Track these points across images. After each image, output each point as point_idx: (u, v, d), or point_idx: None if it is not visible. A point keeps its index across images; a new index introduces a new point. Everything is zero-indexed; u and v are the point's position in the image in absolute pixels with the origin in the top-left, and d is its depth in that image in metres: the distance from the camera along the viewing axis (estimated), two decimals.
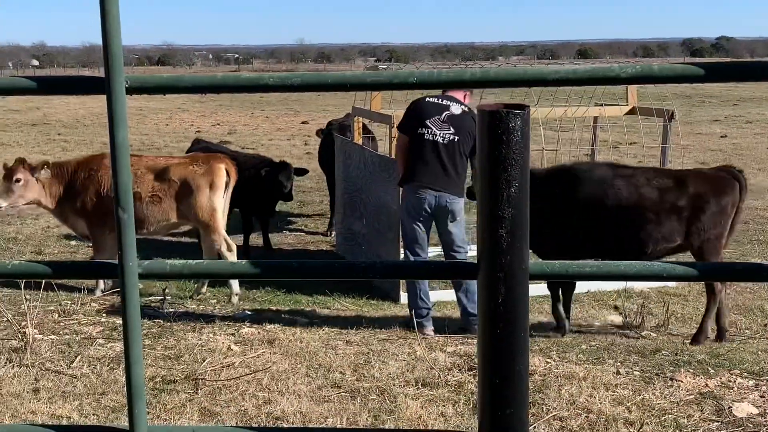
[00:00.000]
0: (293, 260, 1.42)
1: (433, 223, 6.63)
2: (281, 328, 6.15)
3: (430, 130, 6.49)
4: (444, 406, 4.62)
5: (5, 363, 5.27)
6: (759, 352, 5.87)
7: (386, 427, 4.37)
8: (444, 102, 6.59)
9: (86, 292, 7.29)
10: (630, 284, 7.69)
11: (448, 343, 5.78)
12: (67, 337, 5.94)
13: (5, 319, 5.94)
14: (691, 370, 5.16)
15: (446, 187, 6.46)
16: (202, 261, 1.52)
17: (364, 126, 9.85)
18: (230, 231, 8.60)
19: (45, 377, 5.10)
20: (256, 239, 9.83)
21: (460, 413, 4.52)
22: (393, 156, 8.26)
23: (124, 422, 4.46)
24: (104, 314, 6.72)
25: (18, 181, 7.41)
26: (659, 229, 6.01)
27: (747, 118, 26.39)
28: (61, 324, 6.30)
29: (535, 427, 4.35)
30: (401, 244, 7.81)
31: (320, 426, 4.35)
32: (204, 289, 7.73)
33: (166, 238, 9.87)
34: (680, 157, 13.26)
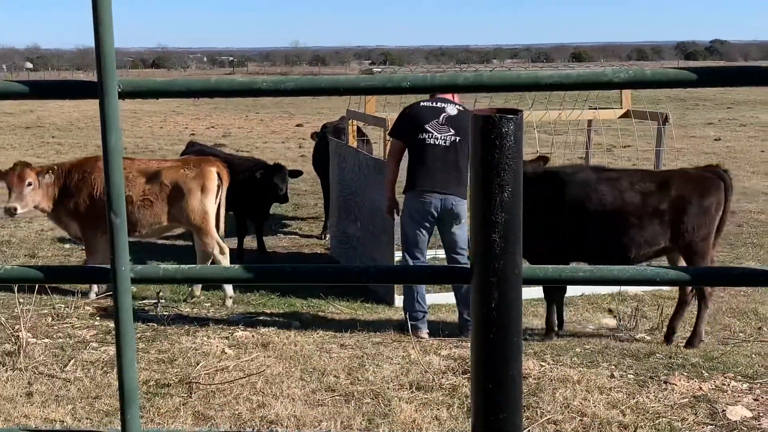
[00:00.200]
0: (286, 265, 1.42)
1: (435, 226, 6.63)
2: (275, 331, 6.14)
3: (431, 135, 6.49)
4: (438, 409, 4.61)
5: None
6: (753, 355, 5.88)
7: (380, 430, 4.37)
8: (438, 104, 6.60)
9: (80, 296, 7.28)
10: (624, 287, 7.71)
11: (442, 347, 5.77)
12: (60, 340, 5.92)
13: None
14: (685, 374, 5.16)
15: (451, 189, 6.46)
16: (194, 266, 1.52)
17: (359, 129, 9.85)
18: (225, 234, 8.59)
19: (38, 381, 5.08)
20: (250, 242, 9.82)
21: (454, 417, 4.52)
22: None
23: (117, 426, 4.45)
24: (98, 318, 6.71)
25: (30, 185, 7.41)
26: (642, 232, 6.01)
27: (741, 121, 26.45)
28: (55, 327, 6.28)
29: (529, 430, 4.35)
30: (396, 247, 7.83)
31: (314, 430, 4.35)
32: (198, 293, 7.72)
33: (160, 241, 9.85)
34: (674, 160, 13.30)
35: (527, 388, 4.88)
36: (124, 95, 1.39)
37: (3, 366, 5.28)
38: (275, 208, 11.05)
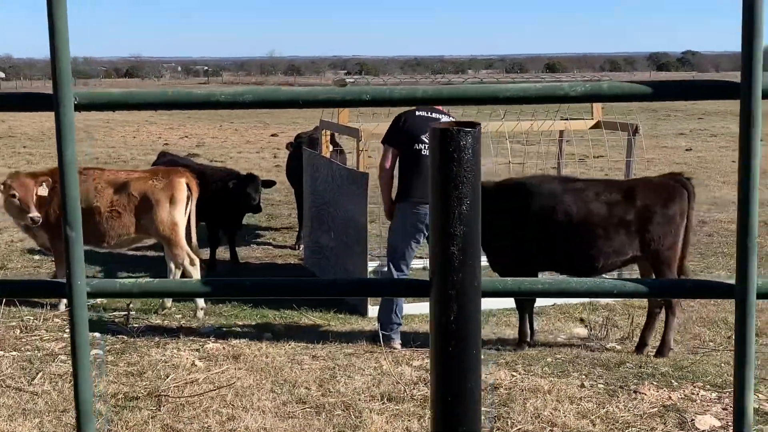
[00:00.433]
0: (246, 278, 1.41)
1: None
2: (247, 343, 6.11)
3: (426, 146, 6.51)
4: (409, 420, 4.61)
5: None
6: (722, 365, 5.93)
7: None
8: (434, 115, 6.63)
9: (49, 308, 7.20)
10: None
11: (414, 357, 5.77)
12: (28, 353, 5.85)
13: None
14: (655, 383, 5.19)
15: None
16: (152, 280, 1.50)
17: (333, 139, 9.85)
18: (197, 244, 8.54)
19: (5, 394, 5.02)
20: (223, 253, 9.77)
21: (425, 428, 4.51)
22: (363, 169, 8.27)
23: None
24: (67, 330, 6.63)
25: (37, 193, 7.37)
26: (609, 242, 6.04)
27: (712, 131, 26.76)
28: (23, 340, 6.21)
29: None
30: (369, 257, 7.82)
31: None
32: (169, 304, 7.67)
33: (131, 252, 9.78)
34: (645, 170, 13.39)
35: (498, 398, 4.89)
36: (80, 107, 1.37)
37: None
38: (249, 219, 11.01)
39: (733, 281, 1.36)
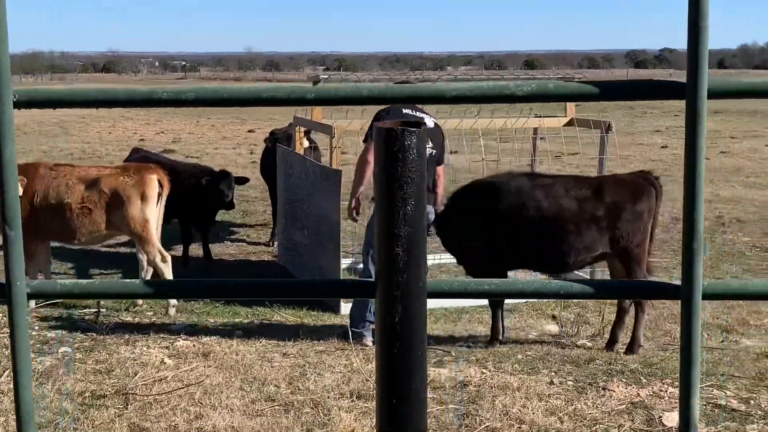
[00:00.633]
0: (189, 279, 1.39)
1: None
2: (217, 340, 6.07)
3: None
4: None
5: None
6: None
7: None
8: (418, 114, 6.59)
9: None
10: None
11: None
12: None
13: None
14: (624, 380, 5.22)
15: (427, 200, 6.46)
16: (93, 281, 1.48)
17: (309, 136, 9.81)
18: (171, 241, 8.50)
19: None
20: (197, 250, 9.72)
21: None
22: (336, 166, 8.25)
23: None
24: (36, 327, 6.57)
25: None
26: (579, 238, 6.06)
27: None
28: None
29: None
30: (342, 254, 7.79)
31: None
32: (141, 301, 7.62)
33: (104, 249, 9.70)
34: (621, 167, 13.46)
35: (468, 396, 4.89)
36: (19, 105, 1.34)
37: None
38: (223, 215, 10.96)
39: (679, 282, 1.36)
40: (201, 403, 4.76)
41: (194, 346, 5.86)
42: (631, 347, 6.17)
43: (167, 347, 5.83)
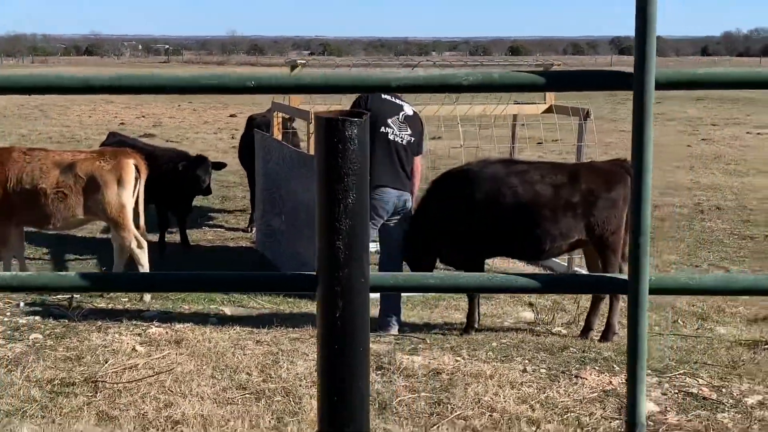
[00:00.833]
0: (129, 272, 1.35)
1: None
2: (191, 327, 6.02)
3: (392, 131, 6.42)
4: None
5: None
6: (666, 349, 5.97)
7: (288, 429, 4.31)
8: (398, 101, 6.56)
9: None
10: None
11: None
12: None
13: None
14: (597, 368, 5.21)
15: (404, 187, 6.44)
16: (32, 273, 1.44)
17: (285, 121, 9.74)
18: (147, 227, 8.41)
19: None
20: (174, 235, 9.65)
21: None
22: (313, 152, 8.19)
23: (17, 427, 4.31)
24: (8, 313, 6.50)
25: None
26: (555, 224, 6.04)
27: (669, 115, 27.00)
28: None
29: (438, 426, 4.34)
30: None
31: (221, 430, 4.27)
32: None
33: (80, 234, 9.62)
34: (603, 154, 13.48)
35: (440, 384, 4.88)
36: None
37: None
38: (202, 201, 10.90)
39: (626, 276, 1.33)
40: (171, 391, 4.72)
41: (167, 333, 5.81)
42: (606, 335, 6.18)
43: (139, 334, 5.78)
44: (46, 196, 7.32)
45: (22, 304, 6.78)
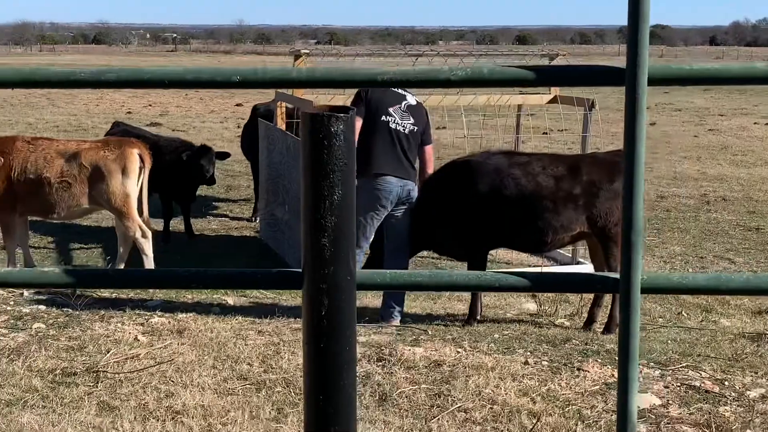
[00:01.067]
0: (107, 269, 1.33)
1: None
2: (193, 317, 6.02)
3: (393, 119, 6.40)
4: None
5: None
6: (669, 342, 5.95)
7: (289, 420, 4.31)
8: (400, 91, 6.53)
9: None
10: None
11: (360, 333, 5.72)
12: None
13: None
14: (599, 360, 5.20)
15: (408, 176, 6.40)
16: (11, 270, 1.42)
17: (289, 111, 9.71)
18: (152, 216, 8.40)
19: None
20: (178, 225, 9.65)
21: (365, 406, 4.47)
22: None
23: (18, 416, 4.32)
24: (11, 303, 6.51)
25: None
26: (556, 216, 6.01)
27: (676, 105, 26.90)
28: None
29: (439, 419, 4.33)
30: None
31: (221, 420, 4.27)
32: None
33: (85, 223, 9.63)
34: (609, 145, 13.45)
35: (441, 375, 4.87)
36: None
37: None
38: (207, 190, 10.89)
39: (617, 275, 1.31)
40: (172, 381, 4.72)
41: (169, 323, 5.82)
42: (609, 327, 6.15)
43: (142, 324, 5.78)
44: (50, 185, 7.31)
45: (26, 293, 6.78)
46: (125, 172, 7.41)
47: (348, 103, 7.25)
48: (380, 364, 5.00)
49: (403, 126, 6.42)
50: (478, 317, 6.40)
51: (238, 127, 20.03)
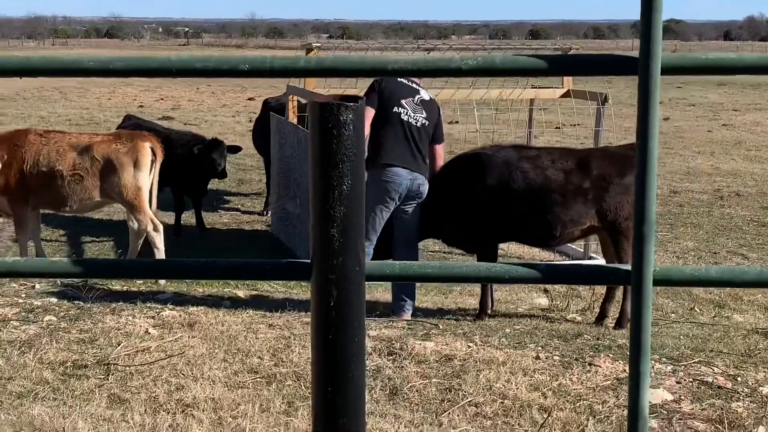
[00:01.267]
0: (113, 258, 1.32)
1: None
2: (204, 310, 6.02)
3: (406, 111, 6.38)
4: None
5: None
6: (681, 337, 5.92)
7: (299, 413, 4.30)
8: (413, 85, 6.52)
9: None
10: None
11: (371, 327, 5.71)
12: None
13: None
14: (611, 355, 5.17)
15: (418, 169, 6.38)
16: (19, 258, 1.42)
17: (301, 105, 9.71)
18: (163, 209, 8.44)
19: None
20: (189, 218, 9.66)
21: (375, 399, 4.47)
22: None
23: (28, 408, 4.33)
24: (23, 295, 6.53)
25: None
26: (566, 210, 5.97)
27: (690, 101, 26.76)
28: None
29: (449, 413, 4.32)
30: None
31: (231, 413, 4.27)
32: None
33: (96, 216, 9.66)
34: (622, 139, 13.41)
35: (452, 370, 4.85)
36: None
37: None
38: (218, 184, 10.90)
39: (629, 267, 1.29)
40: (183, 375, 4.72)
41: (180, 316, 5.81)
42: (620, 322, 6.13)
43: (153, 317, 5.79)
44: (62, 178, 7.34)
45: (37, 285, 6.80)
46: (137, 165, 7.43)
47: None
48: (391, 358, 4.99)
49: (416, 119, 6.40)
50: (489, 312, 6.39)
51: (250, 121, 20.06)
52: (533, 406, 4.37)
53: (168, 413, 4.25)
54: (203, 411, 4.27)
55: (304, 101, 9.07)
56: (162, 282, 7.24)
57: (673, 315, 6.71)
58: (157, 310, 5.99)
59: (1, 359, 4.95)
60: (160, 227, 7.49)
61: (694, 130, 19.47)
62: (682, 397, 4.61)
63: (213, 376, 4.72)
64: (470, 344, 5.33)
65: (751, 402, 4.53)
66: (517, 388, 4.57)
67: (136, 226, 7.50)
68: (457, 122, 13.31)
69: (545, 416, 4.27)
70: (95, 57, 1.30)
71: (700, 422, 4.28)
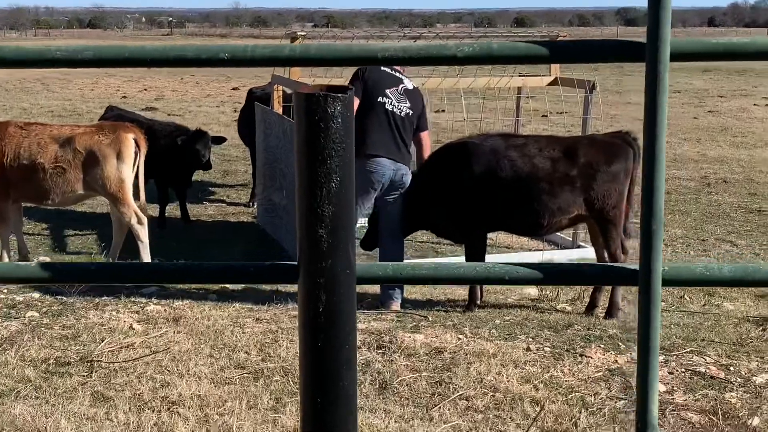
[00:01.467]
0: (89, 263, 1.24)
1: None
2: (189, 304, 5.92)
3: (390, 101, 6.31)
4: None
5: None
6: (672, 326, 5.87)
7: (287, 409, 4.23)
8: (397, 74, 6.45)
9: None
10: (550, 255, 7.67)
11: (360, 320, 5.63)
12: None
13: None
14: (602, 346, 5.11)
15: (402, 159, 6.32)
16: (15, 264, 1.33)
17: (286, 95, 9.60)
18: (147, 201, 8.31)
19: None
20: (174, 210, 9.55)
21: (365, 394, 4.39)
22: None
23: (10, 407, 4.23)
24: (4, 290, 6.41)
25: None
26: (553, 199, 5.92)
27: (676, 87, 26.74)
28: None
29: (440, 407, 4.25)
30: None
31: (218, 410, 4.18)
32: (110, 259, 7.47)
33: (80, 209, 9.53)
34: (609, 127, 13.35)
35: (442, 363, 4.78)
36: None
37: None
38: (203, 175, 10.79)
39: (636, 266, 1.22)
40: (168, 371, 4.63)
41: (165, 310, 5.72)
42: (610, 312, 6.08)
43: (137, 312, 5.69)
44: (44, 171, 7.21)
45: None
46: (120, 157, 7.31)
47: None
48: (380, 351, 4.92)
49: (400, 109, 6.33)
50: (479, 302, 6.33)
51: (235, 111, 19.89)
52: (525, 399, 4.31)
53: (153, 411, 4.17)
54: (189, 408, 4.19)
55: (289, 91, 8.97)
56: None
57: (662, 303, 6.66)
58: (142, 305, 5.89)
59: None
60: (145, 220, 7.39)
61: (680, 117, 19.44)
62: (675, 388, 4.56)
63: (199, 372, 4.63)
64: (460, 336, 5.27)
65: (744, 392, 4.49)
66: (508, 381, 4.50)
67: (119, 218, 7.39)
68: (443, 111, 13.23)
69: (537, 409, 4.21)
70: (63, 47, 1.21)
71: (693, 413, 4.23)
